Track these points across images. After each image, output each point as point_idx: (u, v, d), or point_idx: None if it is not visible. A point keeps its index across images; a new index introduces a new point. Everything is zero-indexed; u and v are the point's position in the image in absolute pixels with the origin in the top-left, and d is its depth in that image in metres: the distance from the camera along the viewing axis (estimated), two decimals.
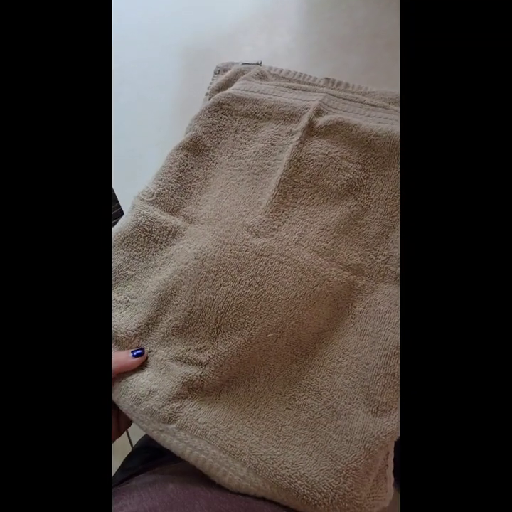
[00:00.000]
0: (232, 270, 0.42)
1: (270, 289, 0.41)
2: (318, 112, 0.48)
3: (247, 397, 0.41)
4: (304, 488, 0.36)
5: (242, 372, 0.42)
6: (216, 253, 0.43)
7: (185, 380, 0.41)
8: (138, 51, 1.27)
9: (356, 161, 0.45)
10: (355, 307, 0.43)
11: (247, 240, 0.43)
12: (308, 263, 0.42)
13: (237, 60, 0.61)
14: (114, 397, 0.42)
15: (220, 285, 0.42)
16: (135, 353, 0.42)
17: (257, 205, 0.46)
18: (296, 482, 0.36)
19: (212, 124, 0.51)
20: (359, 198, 0.44)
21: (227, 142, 0.51)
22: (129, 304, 0.45)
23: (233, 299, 0.41)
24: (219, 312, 0.41)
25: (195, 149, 0.51)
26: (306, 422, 0.39)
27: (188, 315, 0.42)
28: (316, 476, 0.36)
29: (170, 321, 0.43)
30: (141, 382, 0.41)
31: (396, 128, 0.44)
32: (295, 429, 0.39)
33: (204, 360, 0.41)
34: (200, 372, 0.41)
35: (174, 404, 0.40)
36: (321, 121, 0.47)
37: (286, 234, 0.44)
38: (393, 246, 0.42)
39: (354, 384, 0.39)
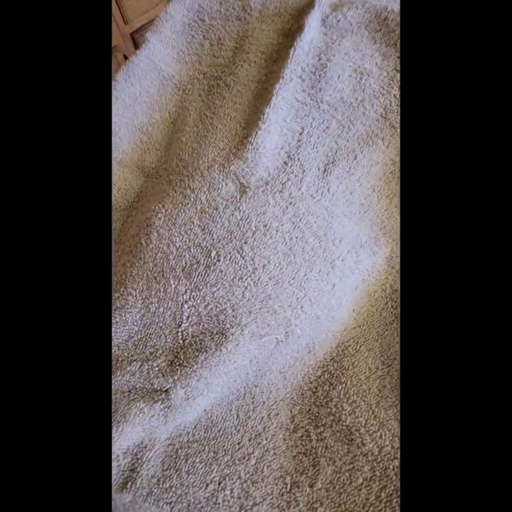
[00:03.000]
0: (205, 239, 0.27)
1: (263, 266, 0.26)
2: None
3: (237, 435, 0.26)
4: None
5: (226, 395, 0.27)
6: (177, 217, 0.28)
7: (137, 419, 0.26)
8: None
9: None
10: (394, 286, 0.28)
11: (228, 192, 0.28)
12: (322, 223, 0.27)
13: None
14: None
15: (185, 265, 0.27)
16: None
17: (241, 140, 0.30)
18: None
19: None
20: None
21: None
22: None
23: (206, 285, 0.26)
24: (184, 306, 0.26)
25: None
26: (331, 479, 0.24)
27: (139, 314, 0.27)
28: None
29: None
30: None
31: None
32: (313, 492, 0.24)
33: (163, 385, 0.26)
34: (161, 404, 0.26)
35: (123, 459, 0.26)
36: None
37: (288, 181, 0.28)
38: None
39: None
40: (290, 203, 0.28)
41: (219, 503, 0.24)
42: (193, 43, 0.39)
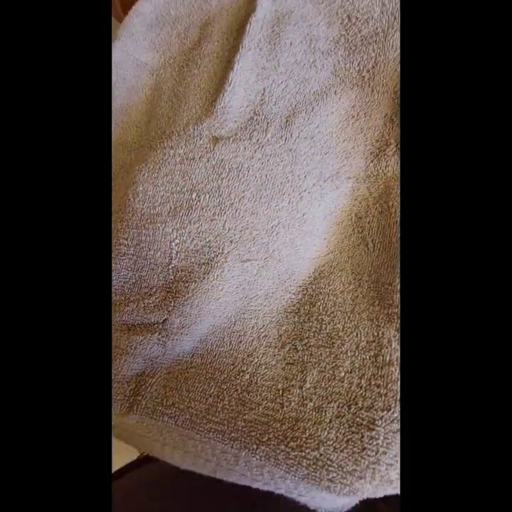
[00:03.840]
0: (185, 185, 0.30)
1: (240, 199, 0.29)
2: None
3: (230, 358, 0.29)
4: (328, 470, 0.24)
5: (218, 324, 0.30)
6: (161, 170, 0.31)
7: (137, 351, 0.28)
8: None
9: None
10: (358, 214, 0.31)
11: (201, 145, 0.31)
12: (287, 164, 0.31)
13: None
14: None
15: (170, 208, 0.30)
16: None
17: (210, 103, 0.34)
18: (315, 463, 0.24)
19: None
20: None
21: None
22: None
23: (190, 222, 0.29)
24: (173, 244, 0.29)
25: None
26: (317, 379, 0.27)
27: (129, 260, 0.30)
28: (342, 451, 0.24)
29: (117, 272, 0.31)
30: None
31: None
32: (303, 392, 0.27)
33: (160, 318, 0.29)
34: (157, 333, 0.29)
35: (127, 386, 0.28)
36: None
37: (254, 131, 0.32)
38: None
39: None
40: (258, 147, 0.31)
41: (219, 411, 0.27)
42: (162, 33, 0.43)
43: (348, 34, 0.36)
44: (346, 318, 0.28)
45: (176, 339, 0.29)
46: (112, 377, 0.28)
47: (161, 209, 0.30)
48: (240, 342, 0.30)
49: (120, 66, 0.42)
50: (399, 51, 0.34)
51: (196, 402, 0.27)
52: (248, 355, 0.29)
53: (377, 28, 0.35)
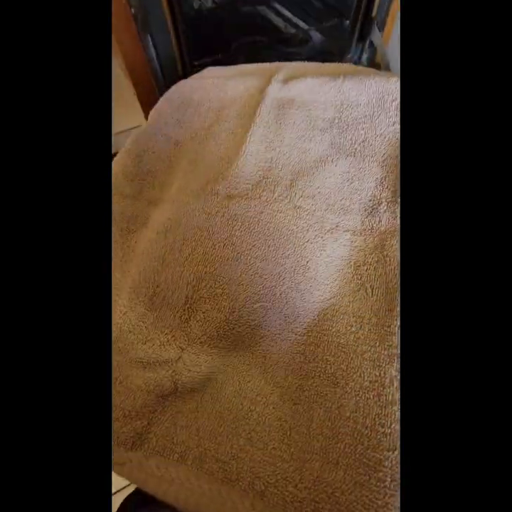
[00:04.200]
0: (202, 237, 0.34)
1: (251, 248, 0.33)
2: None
3: (239, 397, 0.30)
4: None
5: (227, 364, 0.31)
6: (181, 221, 0.36)
7: (150, 388, 0.30)
8: None
9: None
10: (357, 263, 0.35)
11: (217, 204, 0.36)
12: (292, 218, 0.35)
13: None
14: None
15: (189, 254, 0.34)
16: None
17: (225, 170, 0.40)
18: (324, 507, 0.24)
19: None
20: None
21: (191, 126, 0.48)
22: None
23: (205, 266, 0.33)
24: (189, 287, 0.32)
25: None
26: (323, 418, 0.28)
27: (149, 301, 0.33)
28: (350, 494, 0.24)
29: (124, 313, 0.33)
30: None
31: None
32: (310, 432, 0.28)
33: (174, 355, 0.31)
34: (171, 371, 0.30)
35: (138, 422, 0.29)
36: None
37: (263, 191, 0.37)
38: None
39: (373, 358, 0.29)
40: (266, 204, 0.36)
41: (227, 451, 0.27)
42: (186, 114, 0.52)
43: (341, 116, 0.43)
44: (349, 358, 0.30)
45: (188, 376, 0.30)
46: (117, 413, 0.29)
47: (180, 255, 0.34)
48: (248, 381, 0.31)
49: (150, 139, 0.50)
50: (384, 129, 0.41)
51: (206, 441, 0.28)
52: (256, 395, 0.30)
53: (365, 112, 0.42)
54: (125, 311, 0.34)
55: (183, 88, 0.54)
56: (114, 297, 0.35)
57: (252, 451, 0.27)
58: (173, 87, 0.54)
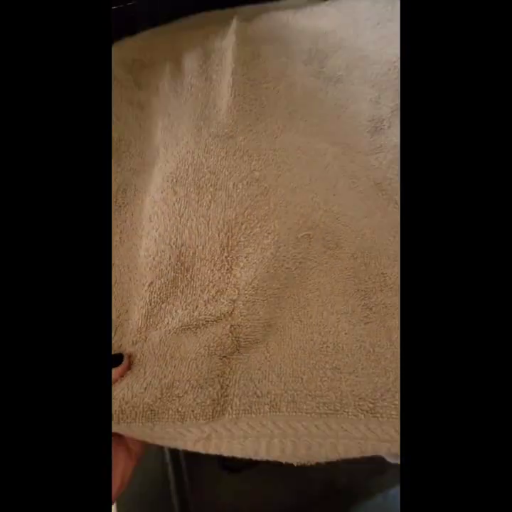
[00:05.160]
0: (219, 180, 0.31)
1: (277, 180, 0.31)
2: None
3: (308, 334, 0.28)
4: None
5: (283, 306, 0.29)
6: (188, 171, 0.32)
7: (211, 349, 0.26)
8: None
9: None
10: (377, 180, 0.34)
11: (223, 144, 0.33)
12: (307, 146, 0.33)
13: None
14: (115, 428, 0.25)
15: (210, 201, 0.30)
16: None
17: (215, 113, 0.36)
18: None
19: None
20: None
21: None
22: None
23: (234, 209, 0.29)
24: (221, 235, 0.29)
25: None
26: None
27: (177, 262, 0.29)
28: None
29: (150, 284, 0.29)
30: (138, 390, 0.25)
31: None
32: (392, 342, 0.27)
33: (226, 309, 0.28)
34: (228, 326, 0.27)
35: (210, 389, 0.25)
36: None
37: (266, 125, 0.35)
38: None
39: None
40: (276, 136, 0.34)
41: (319, 385, 0.25)
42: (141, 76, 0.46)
43: (317, 46, 0.42)
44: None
45: (249, 327, 0.27)
46: (184, 386, 0.25)
47: (198, 205, 0.30)
48: (310, 317, 0.29)
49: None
50: (366, 48, 0.41)
51: (292, 384, 0.25)
52: (323, 328, 0.28)
53: (341, 35, 0.42)
54: (150, 281, 0.29)
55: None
56: (131, 275, 0.31)
57: (344, 378, 0.25)
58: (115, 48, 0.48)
